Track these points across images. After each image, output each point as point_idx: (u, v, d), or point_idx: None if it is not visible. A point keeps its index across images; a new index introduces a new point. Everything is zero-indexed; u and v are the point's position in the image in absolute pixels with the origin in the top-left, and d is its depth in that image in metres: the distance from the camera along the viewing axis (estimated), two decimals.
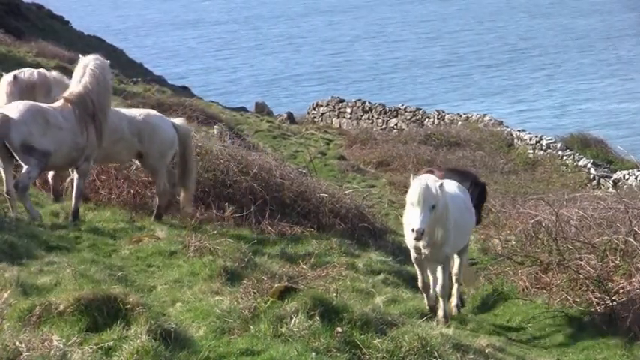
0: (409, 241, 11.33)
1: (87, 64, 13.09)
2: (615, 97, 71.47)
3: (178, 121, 14.47)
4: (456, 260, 12.67)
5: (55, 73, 15.25)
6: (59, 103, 12.75)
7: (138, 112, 13.83)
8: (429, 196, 10.61)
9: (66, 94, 12.82)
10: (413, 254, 11.55)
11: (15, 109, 12.31)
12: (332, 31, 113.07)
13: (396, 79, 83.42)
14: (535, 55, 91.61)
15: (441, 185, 10.85)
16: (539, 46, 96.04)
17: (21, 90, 14.40)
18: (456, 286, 12.68)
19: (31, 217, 12.45)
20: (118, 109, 13.97)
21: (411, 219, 10.71)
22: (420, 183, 10.71)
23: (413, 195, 10.67)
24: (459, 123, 40.63)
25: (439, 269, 11.65)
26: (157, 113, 14.22)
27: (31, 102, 12.72)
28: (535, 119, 64.58)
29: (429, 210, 10.60)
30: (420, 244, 11.09)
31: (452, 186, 12.20)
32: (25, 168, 12.28)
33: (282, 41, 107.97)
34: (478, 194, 15.11)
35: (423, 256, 11.34)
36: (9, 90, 14.47)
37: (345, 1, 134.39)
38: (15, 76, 14.63)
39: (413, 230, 10.58)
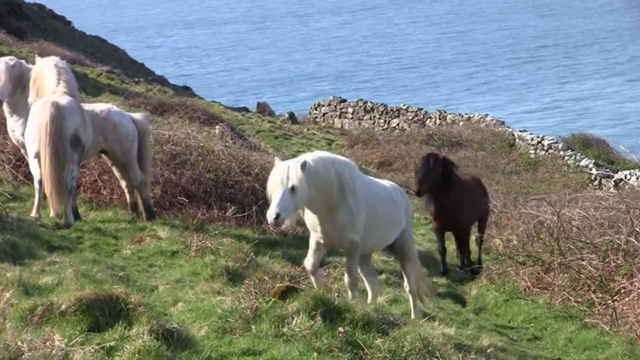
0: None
1: (56, 64, 13.08)
2: (626, 97, 71.29)
3: (138, 115, 14.40)
4: (404, 275, 11.30)
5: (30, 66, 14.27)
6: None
7: (99, 109, 13.54)
8: (285, 178, 9.37)
9: (64, 91, 12.71)
10: (312, 234, 10.28)
11: (64, 99, 12.34)
12: (344, 31, 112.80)
13: (409, 80, 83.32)
14: (547, 55, 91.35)
15: (304, 164, 9.44)
16: (550, 46, 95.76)
17: (14, 78, 13.77)
18: (411, 300, 11.26)
19: (66, 222, 12.45)
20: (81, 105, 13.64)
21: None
22: (280, 165, 9.56)
23: (270, 178, 9.55)
24: (461, 123, 40.63)
25: (346, 259, 10.38)
26: (117, 108, 14.07)
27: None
28: (545, 119, 64.56)
29: (287, 192, 9.31)
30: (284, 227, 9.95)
31: (382, 181, 11.25)
32: (66, 167, 12.30)
33: (292, 41, 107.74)
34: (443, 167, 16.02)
35: (322, 240, 10.08)
36: (6, 75, 13.69)
37: (356, 2, 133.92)
38: (14, 64, 13.85)
39: (269, 216, 9.29)
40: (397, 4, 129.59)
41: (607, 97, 71.69)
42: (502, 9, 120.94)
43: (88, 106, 13.50)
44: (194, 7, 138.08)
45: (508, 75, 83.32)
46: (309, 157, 9.75)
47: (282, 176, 9.35)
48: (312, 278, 10.10)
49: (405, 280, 11.30)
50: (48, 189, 12.12)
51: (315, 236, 10.14)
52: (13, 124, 13.67)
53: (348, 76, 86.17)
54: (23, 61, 14.22)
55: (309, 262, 10.10)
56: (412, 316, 10.92)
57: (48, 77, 12.82)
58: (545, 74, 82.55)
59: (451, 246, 19.13)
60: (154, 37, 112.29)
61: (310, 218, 10.00)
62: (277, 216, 9.19)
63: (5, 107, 13.86)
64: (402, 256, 11.23)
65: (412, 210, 11.46)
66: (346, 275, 10.25)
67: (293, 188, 9.30)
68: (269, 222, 9.33)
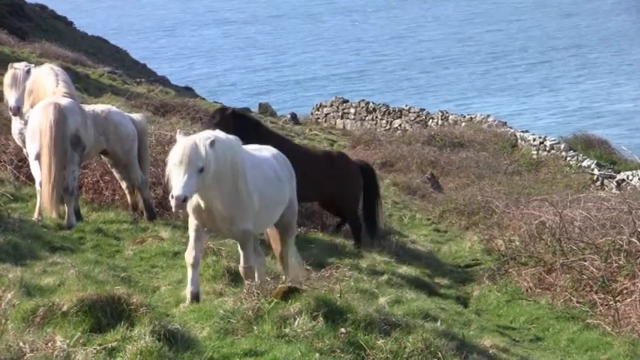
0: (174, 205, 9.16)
1: (51, 68, 13.31)
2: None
3: (136, 116, 14.49)
4: (284, 250, 10.50)
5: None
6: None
7: (99, 110, 13.61)
8: (194, 156, 8.71)
9: (65, 91, 12.78)
10: (192, 220, 9.45)
11: (64, 100, 12.40)
12: (356, 31, 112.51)
13: (421, 81, 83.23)
14: (558, 56, 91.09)
15: (213, 142, 8.85)
16: (561, 47, 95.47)
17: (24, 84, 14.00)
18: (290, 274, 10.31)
19: (68, 222, 12.46)
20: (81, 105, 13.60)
21: (173, 183, 8.75)
22: (186, 140, 8.87)
23: (175, 154, 8.79)
24: (463, 124, 40.59)
25: (239, 247, 9.61)
26: (116, 109, 14.15)
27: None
28: (555, 119, 64.50)
29: (194, 173, 8.68)
30: (190, 211, 9.16)
31: (264, 151, 10.31)
32: (67, 168, 12.31)
33: (304, 41, 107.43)
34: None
35: (207, 225, 9.39)
36: (24, 82, 13.63)
37: (367, 2, 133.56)
38: (29, 69, 13.84)
39: (172, 197, 8.66)
40: (409, 3, 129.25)
41: (621, 99, 71.41)
42: (514, 10, 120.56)
43: (88, 107, 13.57)
44: (204, 7, 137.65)
45: (519, 76, 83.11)
46: (211, 135, 9.09)
47: (190, 154, 8.73)
48: (190, 271, 9.32)
49: (284, 255, 10.46)
50: (45, 189, 12.13)
51: (196, 224, 9.38)
52: (21, 126, 13.69)
53: (359, 77, 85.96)
54: (33, 65, 14.25)
55: (190, 255, 9.36)
56: (288, 278, 9.98)
57: (46, 81, 12.90)
58: (557, 75, 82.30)
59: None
60: (163, 38, 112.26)
61: (195, 204, 9.23)
62: (185, 199, 8.65)
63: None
64: (286, 231, 10.44)
65: (294, 176, 10.57)
66: (241, 264, 9.51)
67: (202, 169, 8.77)
68: (173, 204, 8.68)
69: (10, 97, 13.63)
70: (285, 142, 15.50)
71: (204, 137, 8.93)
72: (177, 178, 8.69)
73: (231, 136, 9.45)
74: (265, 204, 9.65)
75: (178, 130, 9.18)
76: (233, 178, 9.14)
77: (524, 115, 64.81)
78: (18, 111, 13.52)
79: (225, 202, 9.17)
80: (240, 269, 9.56)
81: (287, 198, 10.20)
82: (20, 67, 13.85)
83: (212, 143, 8.84)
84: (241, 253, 9.53)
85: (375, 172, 17.32)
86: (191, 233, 9.44)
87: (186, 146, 8.77)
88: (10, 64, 14.13)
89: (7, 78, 13.77)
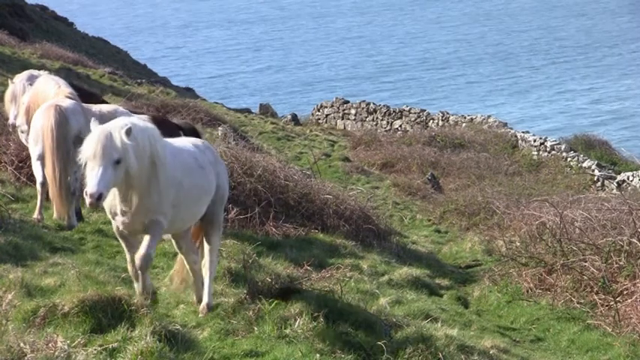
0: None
1: (50, 75, 13.41)
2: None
3: (142, 117, 14.46)
4: (206, 247, 9.59)
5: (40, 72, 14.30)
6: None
7: (106, 110, 13.63)
8: (109, 148, 7.92)
9: (68, 91, 12.84)
10: (114, 225, 8.68)
11: (66, 101, 12.45)
12: (364, 31, 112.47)
13: (431, 82, 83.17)
14: (567, 56, 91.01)
15: (129, 131, 8.04)
16: (568, 46, 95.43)
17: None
18: (207, 280, 9.34)
19: (69, 223, 12.48)
20: (88, 106, 13.38)
21: (87, 178, 7.93)
22: (100, 130, 8.06)
23: (88, 146, 8.00)
24: (464, 124, 40.59)
25: (145, 238, 8.59)
26: (124, 109, 14.11)
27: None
28: (561, 120, 64.48)
29: (110, 166, 7.89)
30: (117, 211, 8.33)
31: (183, 140, 9.65)
32: (70, 168, 12.35)
33: (312, 42, 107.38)
34: None
35: (123, 227, 8.55)
36: (20, 98, 13.91)
37: (377, 1, 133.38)
38: (31, 83, 14.09)
39: (86, 194, 7.79)
40: (418, 5, 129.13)
41: (632, 101, 71.31)
42: (520, 11, 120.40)
43: (94, 107, 13.56)
44: (211, 8, 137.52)
45: (528, 77, 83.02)
46: (127, 122, 8.26)
47: (105, 144, 7.94)
48: (136, 283, 8.64)
49: (206, 253, 9.55)
50: (53, 192, 12.15)
51: (115, 224, 8.61)
52: (25, 126, 13.71)
53: (367, 78, 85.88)
54: (34, 72, 14.26)
55: (132, 264, 8.71)
56: (205, 300, 9.15)
57: (46, 87, 12.98)
58: (567, 77, 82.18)
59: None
60: (170, 38, 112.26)
61: (109, 201, 8.38)
62: (100, 196, 7.77)
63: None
64: (211, 225, 9.58)
65: (224, 165, 10.10)
66: (140, 251, 8.52)
67: (118, 161, 7.96)
68: (88, 201, 7.80)
69: (10, 113, 13.79)
70: (105, 102, 14.75)
71: (119, 126, 8.12)
72: (91, 172, 7.90)
73: (149, 124, 8.68)
74: (186, 196, 8.86)
75: (93, 119, 8.39)
76: (152, 168, 8.36)
77: (533, 117, 64.74)
78: (14, 128, 13.72)
79: (143, 194, 8.35)
80: (137, 257, 8.52)
81: (213, 186, 9.39)
82: (21, 81, 13.86)
83: (128, 131, 8.05)
84: (146, 239, 8.56)
85: (200, 133, 15.30)
86: (122, 243, 8.84)
87: (100, 136, 8.00)
88: (10, 79, 14.19)
89: (7, 93, 13.90)
